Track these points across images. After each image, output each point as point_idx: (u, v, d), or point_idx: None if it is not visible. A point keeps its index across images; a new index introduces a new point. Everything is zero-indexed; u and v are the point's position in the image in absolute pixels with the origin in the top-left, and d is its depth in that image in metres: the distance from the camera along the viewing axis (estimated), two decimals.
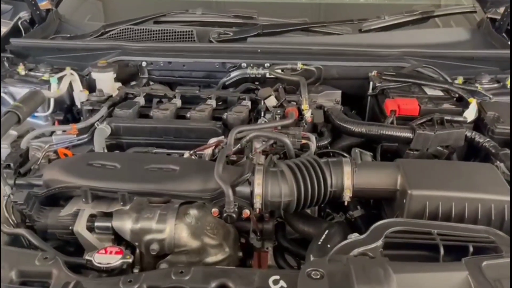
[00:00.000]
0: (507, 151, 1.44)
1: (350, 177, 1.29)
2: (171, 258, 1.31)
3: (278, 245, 1.48)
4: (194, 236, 1.31)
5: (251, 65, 2.04)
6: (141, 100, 1.73)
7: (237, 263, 1.45)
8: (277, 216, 1.43)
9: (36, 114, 1.93)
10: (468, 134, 1.54)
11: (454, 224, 1.13)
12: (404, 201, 1.23)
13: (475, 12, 2.45)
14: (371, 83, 1.89)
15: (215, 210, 1.24)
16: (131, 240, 1.31)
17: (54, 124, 1.93)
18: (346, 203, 1.31)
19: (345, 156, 1.48)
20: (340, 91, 1.84)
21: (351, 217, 1.52)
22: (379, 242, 1.06)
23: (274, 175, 1.27)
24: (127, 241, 1.32)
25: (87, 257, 1.05)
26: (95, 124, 1.56)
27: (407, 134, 1.52)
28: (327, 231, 1.23)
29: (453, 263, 0.99)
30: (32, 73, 2.04)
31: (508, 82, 1.91)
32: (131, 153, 1.47)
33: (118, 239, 1.33)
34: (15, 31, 2.36)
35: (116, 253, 1.05)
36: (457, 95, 1.77)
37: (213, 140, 1.50)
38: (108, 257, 1.04)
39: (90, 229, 1.30)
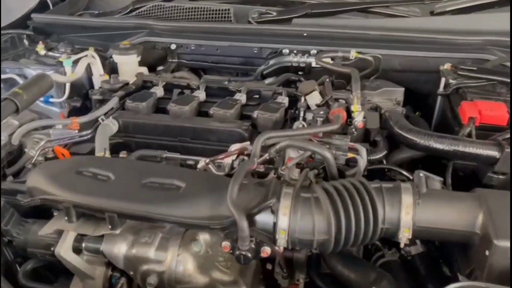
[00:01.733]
0: None
1: (410, 212, 0.95)
2: None
3: (310, 281, 1.19)
4: (202, 269, 1.05)
5: (294, 51, 1.73)
6: (158, 91, 1.46)
7: None
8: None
9: (50, 99, 1.74)
10: None
11: None
12: (486, 253, 0.88)
13: None
14: (442, 79, 1.50)
15: (226, 245, 0.95)
16: (125, 269, 1.07)
17: (67, 112, 1.72)
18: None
19: (406, 178, 1.14)
20: (402, 89, 1.48)
21: (408, 254, 1.19)
22: None
23: (306, 203, 0.96)
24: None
25: None
26: (100, 119, 1.31)
27: (492, 153, 1.14)
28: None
29: None
30: (50, 53, 1.84)
31: None
32: (131, 160, 1.21)
33: (113, 264, 1.09)
34: (43, 6, 2.17)
35: None
36: None
37: (236, 147, 1.20)
38: None
39: (78, 250, 1.06)
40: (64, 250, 1.03)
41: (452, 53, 1.66)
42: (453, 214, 0.95)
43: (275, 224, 0.95)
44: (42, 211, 1.16)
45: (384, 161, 1.27)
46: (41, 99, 1.71)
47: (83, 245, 1.06)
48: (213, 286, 1.05)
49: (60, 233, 1.05)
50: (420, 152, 1.31)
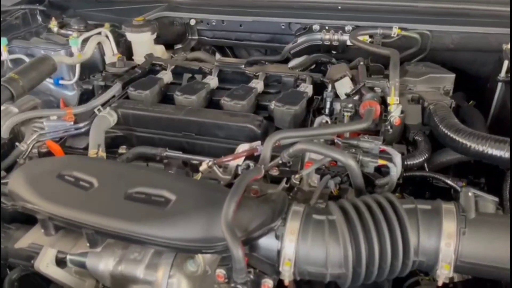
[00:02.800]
0: None
1: (453, 243, 0.74)
2: None
3: None
4: None
5: (326, 27, 1.50)
6: (166, 76, 1.30)
7: None
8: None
9: (60, 81, 1.63)
10: None
11: None
12: None
13: None
14: (505, 61, 1.23)
15: (220, 273, 0.80)
16: (111, 287, 0.93)
17: (80, 95, 1.60)
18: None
19: (452, 190, 0.93)
20: (453, 75, 1.23)
21: (450, 281, 0.98)
22: None
23: (319, 227, 0.78)
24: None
25: None
26: (96, 110, 1.17)
27: None
28: None
29: None
30: (63, 31, 1.72)
31: None
32: (119, 163, 1.05)
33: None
34: None
35: None
36: None
37: (244, 147, 1.02)
38: None
39: (62, 263, 0.94)
40: (44, 265, 0.91)
41: None
42: (508, 248, 0.74)
43: (279, 252, 0.78)
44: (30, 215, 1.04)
45: (426, 166, 1.05)
46: (50, 80, 1.62)
47: (68, 258, 0.94)
48: None
49: (39, 247, 0.93)
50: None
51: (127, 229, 0.81)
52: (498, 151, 0.94)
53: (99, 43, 1.62)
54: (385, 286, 0.96)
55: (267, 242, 0.80)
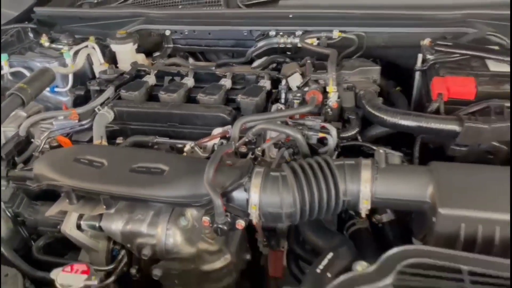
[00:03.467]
0: None
1: (368, 185, 1.06)
2: (164, 264, 1.21)
3: (291, 250, 1.32)
4: (189, 242, 1.19)
5: (281, 33, 1.80)
6: (151, 79, 1.58)
7: (242, 267, 1.31)
8: None
9: (56, 89, 1.87)
10: None
11: (496, 259, 0.87)
12: (433, 219, 0.99)
13: None
14: (419, 54, 1.56)
15: (205, 219, 1.09)
16: (122, 242, 1.22)
17: (73, 99, 1.85)
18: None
19: (371, 151, 1.25)
20: (379, 68, 1.55)
21: (378, 222, 1.30)
22: (389, 279, 0.85)
23: (275, 181, 1.08)
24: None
25: (52, 275, 0.95)
26: (96, 109, 1.44)
27: (452, 127, 1.23)
28: (331, 254, 1.03)
29: None
30: (54, 45, 1.95)
31: None
32: (122, 148, 1.34)
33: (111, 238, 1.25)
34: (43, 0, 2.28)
35: (83, 272, 0.94)
36: None
37: (217, 131, 1.32)
38: (72, 277, 0.93)
39: (79, 227, 1.22)
40: (69, 228, 1.18)
41: (434, 28, 1.71)
42: (407, 186, 1.05)
43: (247, 200, 1.07)
44: (50, 194, 1.30)
45: (359, 137, 1.37)
46: (47, 88, 1.86)
47: (82, 224, 1.20)
48: (200, 256, 1.19)
49: (65, 212, 1.20)
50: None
51: (135, 192, 1.10)
52: (406, 122, 1.27)
53: (88, 55, 1.88)
54: (331, 227, 1.27)
55: (238, 195, 1.09)
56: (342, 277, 0.87)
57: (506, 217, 0.94)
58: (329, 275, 0.96)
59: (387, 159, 1.12)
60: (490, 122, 1.21)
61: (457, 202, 0.98)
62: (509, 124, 1.20)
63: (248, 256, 1.33)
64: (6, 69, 1.81)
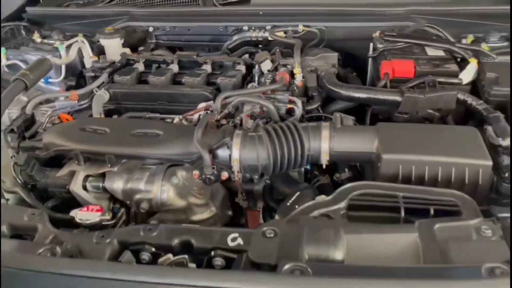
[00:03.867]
0: (498, 113, 1.40)
1: (327, 141, 1.31)
2: (159, 216, 1.41)
3: (266, 206, 1.55)
4: (180, 196, 1.40)
5: (253, 28, 2.05)
6: (140, 66, 1.80)
7: (225, 221, 1.53)
8: (266, 178, 1.48)
9: (50, 80, 2.06)
10: (460, 96, 1.50)
11: (421, 188, 1.14)
12: (379, 165, 1.25)
13: None
14: (371, 44, 1.85)
15: (195, 173, 1.31)
16: (123, 199, 1.42)
17: (66, 90, 2.04)
18: (335, 165, 1.37)
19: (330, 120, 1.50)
20: (336, 54, 1.82)
21: (338, 179, 1.56)
22: (342, 204, 1.10)
23: (252, 140, 1.32)
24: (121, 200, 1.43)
25: (71, 214, 1.16)
26: (94, 91, 1.65)
27: (395, 98, 1.51)
28: (298, 193, 1.27)
29: (405, 225, 1.02)
30: (46, 40, 2.14)
31: None
32: (121, 118, 1.55)
33: (114, 198, 1.45)
34: (33, 0, 2.46)
35: (97, 211, 1.15)
36: (461, 56, 1.72)
37: (202, 105, 1.55)
38: (88, 214, 1.14)
39: (86, 188, 1.42)
40: (77, 187, 1.38)
41: (383, 23, 2.00)
42: (359, 141, 1.32)
43: (230, 156, 1.31)
44: (55, 163, 1.50)
45: (321, 110, 1.63)
46: (42, 80, 2.04)
47: (88, 184, 1.41)
48: (190, 208, 1.41)
49: (72, 175, 1.40)
50: (352, 103, 1.68)
51: (136, 151, 1.32)
52: (358, 94, 1.54)
53: (78, 49, 2.08)
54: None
55: (222, 152, 1.32)
56: (305, 204, 1.12)
57: (432, 158, 1.21)
58: (296, 207, 1.20)
59: (342, 121, 1.38)
60: (424, 93, 1.50)
61: (395, 149, 1.25)
62: (439, 94, 1.49)
63: (230, 212, 1.55)
64: (4, 61, 1.99)
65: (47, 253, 0.92)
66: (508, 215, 1.04)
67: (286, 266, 0.86)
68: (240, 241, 1.01)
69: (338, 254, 0.92)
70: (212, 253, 1.00)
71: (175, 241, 1.01)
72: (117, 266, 0.90)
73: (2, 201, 1.37)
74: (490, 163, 1.19)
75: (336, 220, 1.04)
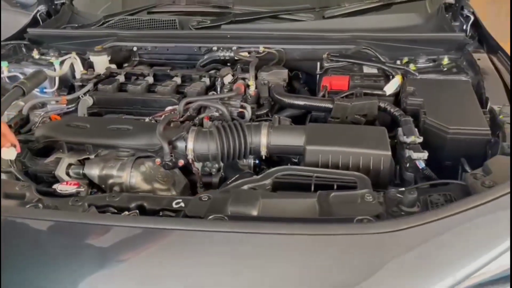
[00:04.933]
0: (408, 118, 1.72)
1: (265, 137, 1.62)
2: None
3: None
4: (146, 181, 1.68)
5: (221, 48, 2.39)
6: (121, 78, 2.12)
7: None
8: (221, 172, 1.78)
9: (45, 90, 2.37)
10: (381, 104, 1.82)
11: (331, 170, 1.45)
12: (305, 154, 1.56)
13: None
14: (318, 63, 2.19)
15: (157, 160, 1.62)
16: (99, 183, 1.71)
17: None
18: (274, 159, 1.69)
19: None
20: (286, 70, 2.16)
21: None
22: (268, 181, 1.40)
23: (204, 134, 1.63)
24: (98, 185, 1.73)
25: (53, 186, 1.45)
26: (80, 96, 1.97)
27: (327, 105, 1.83)
28: (238, 175, 1.58)
29: (309, 194, 1.31)
30: (43, 57, 2.47)
31: (444, 62, 2.15)
32: (101, 117, 1.87)
33: (91, 184, 1.74)
34: (34, 22, 2.82)
35: (74, 184, 1.45)
36: (390, 73, 2.05)
37: (168, 108, 1.87)
38: (67, 187, 1.44)
39: (68, 174, 1.72)
40: (61, 172, 1.68)
41: (332, 46, 2.33)
42: (290, 137, 1.63)
43: (186, 147, 1.62)
44: (43, 154, 1.80)
45: (270, 115, 1.95)
46: (38, 89, 2.36)
47: (70, 171, 1.70)
48: (154, 192, 1.70)
49: (57, 162, 1.70)
50: (298, 110, 2.00)
51: (109, 142, 1.63)
52: (298, 101, 1.87)
53: (71, 64, 2.41)
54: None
55: (180, 144, 1.63)
56: (239, 181, 1.42)
57: (345, 149, 1.52)
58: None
59: (279, 121, 1.70)
60: (351, 101, 1.82)
61: (317, 142, 1.55)
62: (363, 102, 1.82)
63: None
64: (5, 73, 2.32)
65: (32, 207, 1.21)
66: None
67: (210, 217, 1.16)
68: (182, 204, 1.30)
69: (253, 211, 1.22)
70: (160, 213, 1.29)
71: (132, 205, 1.31)
72: (84, 214, 1.20)
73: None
74: (389, 153, 1.50)
75: (258, 190, 1.35)
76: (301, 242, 1.08)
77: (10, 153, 1.52)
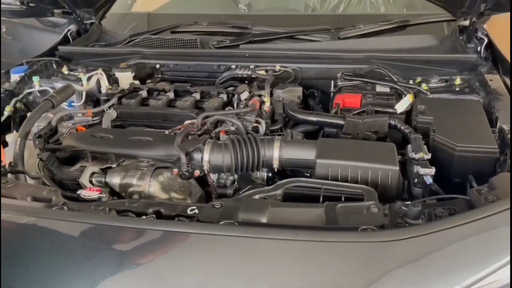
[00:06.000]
0: (418, 135, 1.77)
1: (278, 150, 1.70)
2: None
3: None
4: (164, 190, 1.78)
5: (239, 66, 2.49)
6: (143, 93, 2.24)
7: None
8: (236, 184, 1.86)
9: (72, 103, 2.52)
10: (392, 122, 1.88)
11: (340, 183, 1.51)
12: (315, 167, 1.62)
13: (454, 20, 2.71)
14: (332, 82, 2.27)
15: (175, 170, 1.71)
16: (119, 191, 1.81)
17: None
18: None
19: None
20: (301, 88, 2.24)
21: None
22: (278, 192, 1.47)
23: (220, 146, 1.71)
24: (119, 193, 1.82)
25: (77, 192, 1.55)
26: (105, 110, 2.09)
27: (339, 121, 1.89)
28: (250, 186, 1.65)
29: (317, 204, 1.37)
30: (72, 72, 2.62)
31: (456, 82, 2.20)
32: (124, 129, 1.98)
33: (112, 192, 1.84)
34: (65, 40, 2.99)
35: (96, 191, 1.54)
36: (405, 92, 2.11)
37: (187, 122, 1.97)
38: (90, 193, 1.53)
39: (91, 182, 1.82)
40: (85, 179, 1.78)
41: (347, 65, 2.41)
42: (302, 151, 1.70)
43: (202, 158, 1.70)
44: (69, 163, 1.91)
45: (284, 130, 2.02)
46: (66, 103, 2.50)
47: (92, 179, 1.81)
48: (171, 200, 1.79)
49: (82, 170, 1.81)
50: (312, 126, 2.07)
51: (131, 153, 1.73)
52: (311, 117, 1.94)
53: (97, 79, 2.55)
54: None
55: (196, 155, 1.72)
56: (251, 191, 1.49)
57: (354, 163, 1.58)
58: None
59: (292, 136, 1.78)
60: (363, 118, 1.88)
61: (326, 156, 1.62)
62: (374, 119, 1.87)
63: None
64: (37, 87, 2.47)
65: (58, 209, 1.31)
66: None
67: (221, 222, 1.23)
68: (196, 211, 1.38)
69: (263, 219, 1.29)
70: (175, 219, 1.37)
71: (150, 210, 1.40)
72: (105, 216, 1.28)
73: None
74: (397, 168, 1.55)
75: (268, 200, 1.41)
76: (307, 248, 1.14)
77: None
